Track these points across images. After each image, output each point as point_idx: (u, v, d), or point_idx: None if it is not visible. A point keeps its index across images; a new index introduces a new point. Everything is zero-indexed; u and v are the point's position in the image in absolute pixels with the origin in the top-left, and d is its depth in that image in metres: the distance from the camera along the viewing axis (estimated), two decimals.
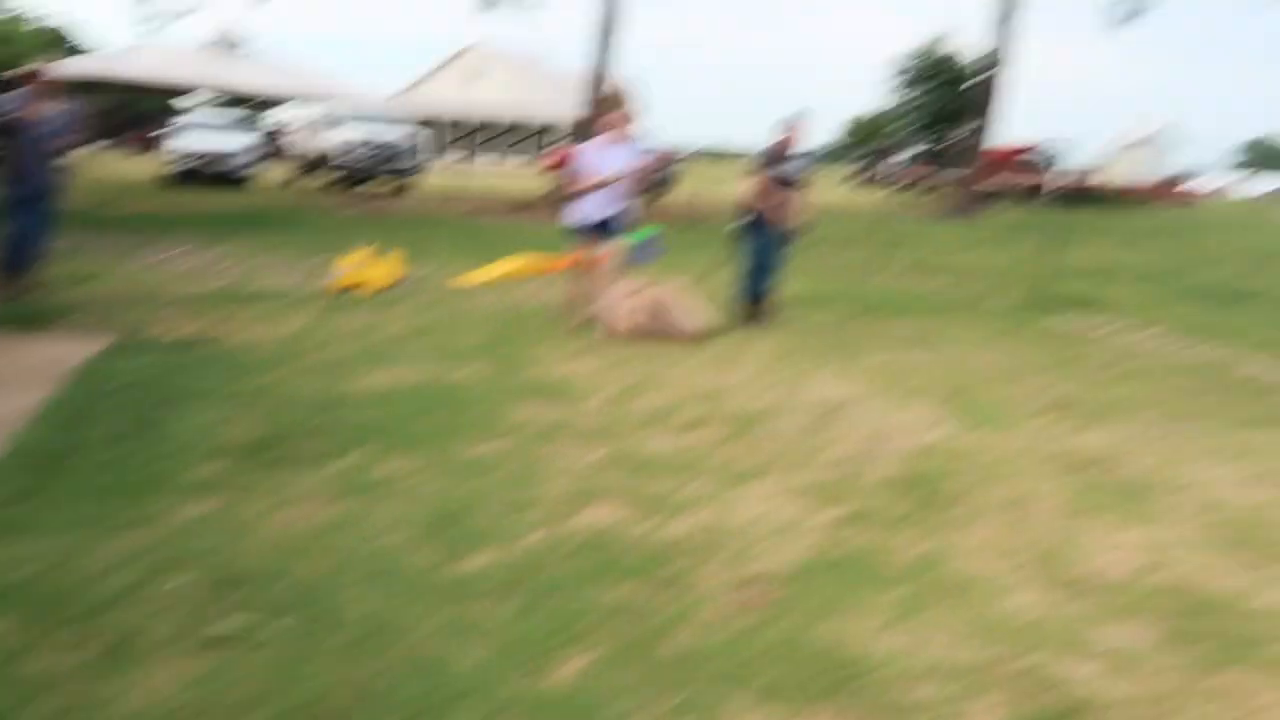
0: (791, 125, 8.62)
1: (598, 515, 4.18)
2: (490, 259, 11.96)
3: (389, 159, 24.14)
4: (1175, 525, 4.44)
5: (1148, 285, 12.50)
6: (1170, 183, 44.83)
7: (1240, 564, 4.05)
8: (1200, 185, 43.23)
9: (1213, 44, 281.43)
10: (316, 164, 24.46)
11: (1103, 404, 6.64)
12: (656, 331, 7.97)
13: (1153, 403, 6.76)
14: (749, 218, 8.73)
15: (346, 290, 9.28)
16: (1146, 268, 14.30)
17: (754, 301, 8.89)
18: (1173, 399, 6.93)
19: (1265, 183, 65.00)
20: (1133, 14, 25.42)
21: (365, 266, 9.72)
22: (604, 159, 8.00)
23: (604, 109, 8.05)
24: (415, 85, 56.52)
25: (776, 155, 8.60)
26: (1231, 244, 18.68)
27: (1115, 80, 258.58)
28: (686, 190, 30.80)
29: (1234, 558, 4.11)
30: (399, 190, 24.65)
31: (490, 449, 4.97)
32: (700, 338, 8.03)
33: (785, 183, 8.60)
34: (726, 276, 11.80)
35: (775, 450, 5.20)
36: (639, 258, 8.48)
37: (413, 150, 24.84)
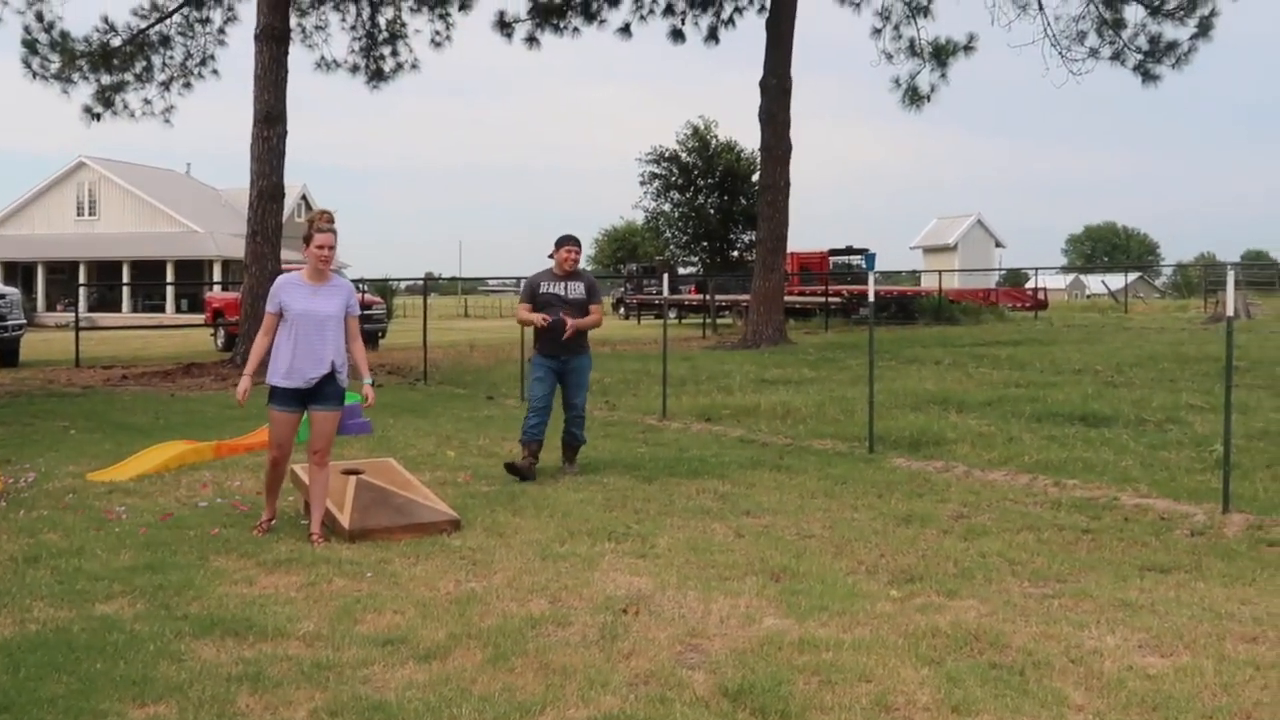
0: (563, 246, 9.94)
1: None
2: (137, 446, 11.44)
3: None
4: (1074, 713, 4.64)
5: (991, 413, 13.35)
6: (1004, 287, 48.60)
7: None
8: (1037, 286, 47.07)
9: (1024, 119, 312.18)
10: None
11: (960, 568, 6.95)
12: (382, 527, 7.78)
13: (1018, 560, 7.14)
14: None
15: None
16: (987, 392, 15.30)
17: (532, 450, 9.87)
18: (1040, 553, 7.34)
19: (1112, 278, 71.19)
20: (919, 98, 27.07)
21: None
22: (303, 301, 7.78)
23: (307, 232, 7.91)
24: (8, 216, 54.54)
25: (539, 280, 9.95)
26: (1081, 356, 20.33)
27: (908, 168, 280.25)
28: (402, 338, 30.81)
29: None
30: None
31: (153, 714, 4.64)
32: (443, 528, 7.90)
33: (559, 306, 9.80)
34: (468, 445, 11.77)
35: (557, 671, 5.11)
36: (346, 431, 8.37)
37: (11, 304, 24.02)
